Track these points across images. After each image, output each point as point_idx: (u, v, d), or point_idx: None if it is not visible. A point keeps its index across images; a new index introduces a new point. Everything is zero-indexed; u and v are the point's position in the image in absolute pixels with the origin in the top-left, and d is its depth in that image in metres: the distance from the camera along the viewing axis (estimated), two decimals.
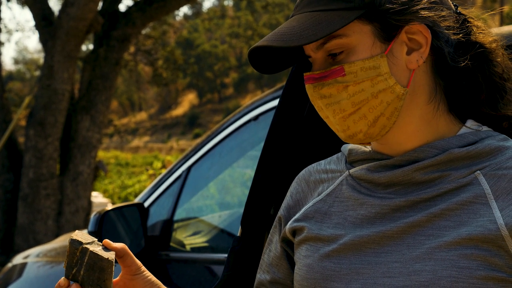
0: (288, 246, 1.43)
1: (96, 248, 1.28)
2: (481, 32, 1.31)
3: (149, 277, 1.39)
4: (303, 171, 1.48)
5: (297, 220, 1.39)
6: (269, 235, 1.48)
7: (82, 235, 1.29)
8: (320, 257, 1.30)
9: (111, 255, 1.29)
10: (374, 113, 1.25)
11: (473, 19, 1.32)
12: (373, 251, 1.24)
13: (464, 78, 1.29)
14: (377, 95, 1.24)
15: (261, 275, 1.47)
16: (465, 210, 1.20)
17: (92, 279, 1.26)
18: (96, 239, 1.32)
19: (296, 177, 1.48)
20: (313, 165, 1.46)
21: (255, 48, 1.27)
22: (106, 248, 1.32)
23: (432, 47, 1.26)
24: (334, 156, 1.44)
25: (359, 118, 1.25)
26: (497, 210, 1.18)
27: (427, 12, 1.24)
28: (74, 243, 1.26)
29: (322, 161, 1.45)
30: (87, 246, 1.27)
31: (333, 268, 1.28)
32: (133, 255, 1.38)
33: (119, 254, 1.35)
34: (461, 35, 1.28)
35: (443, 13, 1.26)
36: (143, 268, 1.40)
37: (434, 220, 1.21)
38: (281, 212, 1.46)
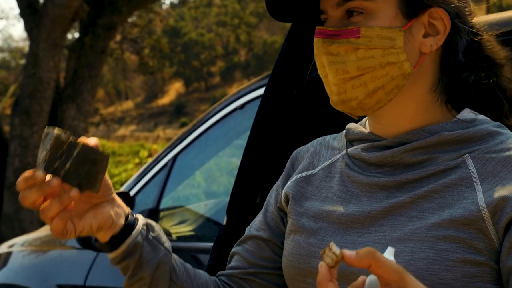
0: (282, 213, 1.43)
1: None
2: (492, 48, 1.30)
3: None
4: (319, 138, 1.47)
5: (288, 187, 1.40)
6: (268, 197, 1.47)
7: (59, 130, 1.20)
8: (307, 233, 1.30)
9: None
10: (375, 84, 1.23)
11: (486, 32, 1.31)
12: (358, 230, 1.25)
13: (473, 89, 1.27)
14: (385, 66, 1.22)
15: (253, 231, 1.44)
16: (450, 192, 1.19)
17: (79, 173, 1.21)
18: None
19: (311, 142, 1.48)
20: (326, 137, 1.46)
21: None
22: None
23: (446, 40, 1.26)
24: (339, 134, 1.43)
25: (359, 84, 1.24)
26: (481, 192, 1.17)
27: (456, 1, 1.24)
28: (61, 136, 1.19)
29: (331, 136, 1.45)
30: (75, 140, 1.20)
31: (318, 245, 1.28)
32: None
33: None
34: (478, 38, 1.27)
35: (469, 9, 1.26)
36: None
37: (419, 201, 1.21)
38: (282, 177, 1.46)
